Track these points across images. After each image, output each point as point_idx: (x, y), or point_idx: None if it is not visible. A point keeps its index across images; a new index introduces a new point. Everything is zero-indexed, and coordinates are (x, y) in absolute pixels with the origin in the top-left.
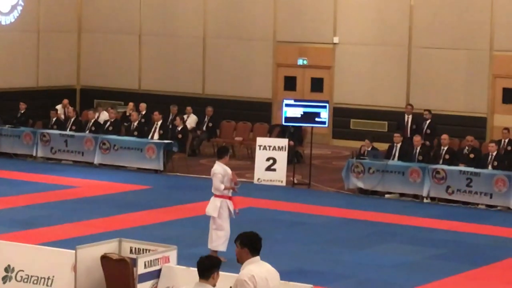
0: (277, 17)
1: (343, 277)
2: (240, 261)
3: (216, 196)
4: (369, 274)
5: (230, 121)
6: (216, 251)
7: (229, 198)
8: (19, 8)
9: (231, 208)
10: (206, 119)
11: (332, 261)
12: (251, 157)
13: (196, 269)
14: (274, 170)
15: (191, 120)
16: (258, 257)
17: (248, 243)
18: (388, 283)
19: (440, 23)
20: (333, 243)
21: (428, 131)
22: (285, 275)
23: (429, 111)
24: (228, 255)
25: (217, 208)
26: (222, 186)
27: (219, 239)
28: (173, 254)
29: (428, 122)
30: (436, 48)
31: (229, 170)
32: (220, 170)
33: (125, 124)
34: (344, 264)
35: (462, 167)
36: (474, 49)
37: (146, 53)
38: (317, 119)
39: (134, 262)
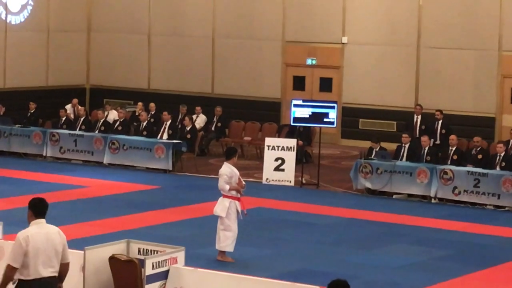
0: (286, 17)
1: (350, 278)
2: (28, 221)
3: (225, 196)
4: (377, 274)
5: (239, 121)
6: (224, 252)
7: (238, 199)
8: (29, 7)
9: (239, 209)
10: (215, 119)
11: (340, 262)
12: (260, 157)
13: (203, 270)
14: (283, 170)
15: (200, 120)
16: (42, 220)
17: (32, 206)
18: (395, 284)
19: (448, 23)
20: (341, 243)
21: (443, 131)
22: (292, 276)
23: (441, 111)
24: (236, 255)
25: (225, 208)
26: (227, 187)
27: (227, 240)
28: (180, 255)
29: (440, 122)
30: (444, 48)
31: (236, 171)
32: (227, 171)
33: (134, 124)
34: (351, 265)
35: (469, 168)
36: (483, 49)
37: (155, 53)
38: (325, 120)
39: (142, 263)
